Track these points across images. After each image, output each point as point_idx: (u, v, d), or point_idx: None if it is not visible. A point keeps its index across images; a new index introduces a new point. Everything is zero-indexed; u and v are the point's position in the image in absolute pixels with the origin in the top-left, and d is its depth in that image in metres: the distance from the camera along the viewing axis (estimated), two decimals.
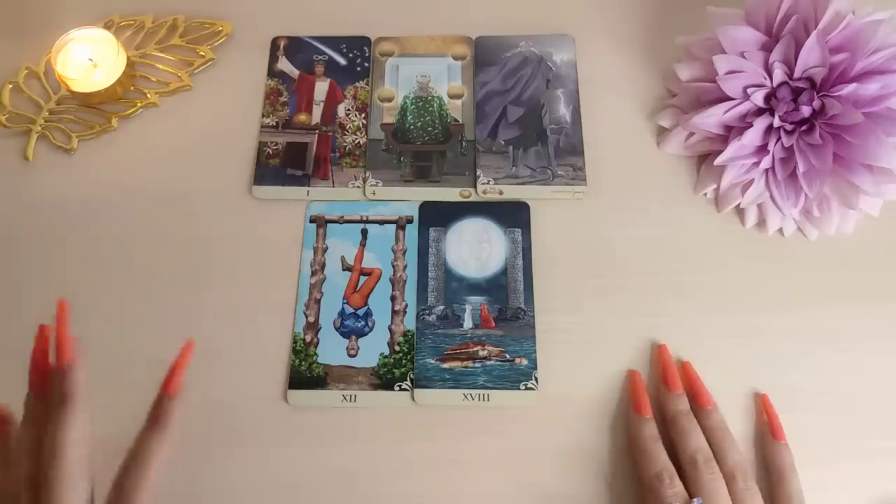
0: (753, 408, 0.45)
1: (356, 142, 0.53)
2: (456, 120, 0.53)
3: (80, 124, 0.54)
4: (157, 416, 0.36)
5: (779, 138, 0.47)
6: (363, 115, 0.54)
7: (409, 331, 0.47)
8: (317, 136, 0.53)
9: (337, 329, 0.47)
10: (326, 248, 0.50)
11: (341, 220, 0.50)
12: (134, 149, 0.53)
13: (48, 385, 0.36)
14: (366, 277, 0.49)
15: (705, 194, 0.51)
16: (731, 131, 0.48)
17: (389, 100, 0.54)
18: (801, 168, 0.46)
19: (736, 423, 0.44)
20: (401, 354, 0.46)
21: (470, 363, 0.46)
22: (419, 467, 0.44)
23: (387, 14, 0.57)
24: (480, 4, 0.57)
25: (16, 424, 0.36)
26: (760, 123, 0.47)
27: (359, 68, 0.55)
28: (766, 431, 0.44)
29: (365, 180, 0.51)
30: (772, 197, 0.48)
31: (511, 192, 0.51)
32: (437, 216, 0.50)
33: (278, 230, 0.50)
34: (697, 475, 0.40)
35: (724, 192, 0.50)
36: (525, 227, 0.50)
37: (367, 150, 0.52)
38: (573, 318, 0.47)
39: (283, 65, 0.56)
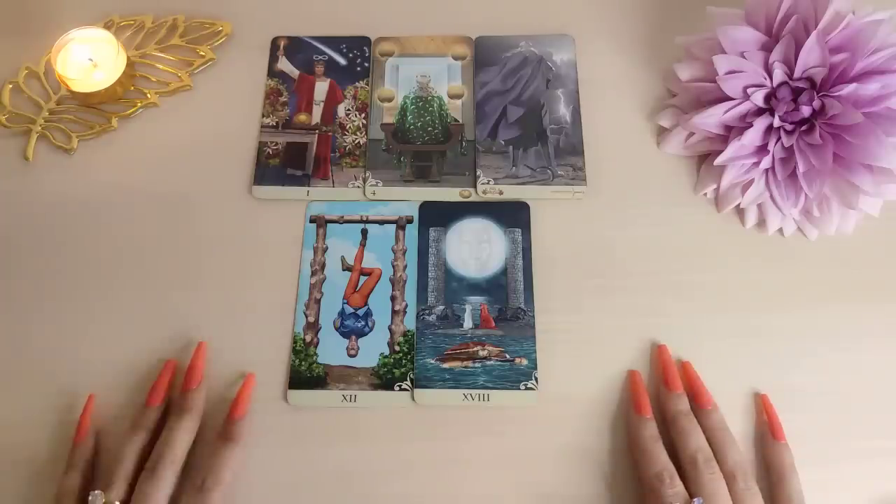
0: (753, 408, 0.45)
1: (356, 142, 0.53)
2: (456, 120, 0.53)
3: (80, 124, 0.54)
4: (227, 430, 0.43)
5: (779, 138, 0.47)
6: (363, 115, 0.54)
7: (409, 331, 0.47)
8: (317, 136, 0.53)
9: (337, 329, 0.47)
10: (326, 248, 0.50)
11: (341, 220, 0.50)
12: (134, 149, 0.53)
13: (165, 401, 0.44)
14: (366, 277, 0.49)
15: (705, 194, 0.51)
16: (731, 131, 0.48)
17: (389, 100, 0.54)
18: (801, 168, 0.46)
19: (736, 423, 0.44)
20: (401, 354, 0.46)
21: (470, 363, 0.46)
22: (419, 467, 0.44)
23: (387, 14, 0.57)
24: (480, 4, 0.57)
25: (89, 438, 0.44)
26: (760, 123, 0.47)
27: (359, 68, 0.55)
28: (766, 431, 0.44)
29: (365, 180, 0.51)
30: (772, 197, 0.48)
31: (511, 192, 0.51)
32: (437, 216, 0.50)
33: (278, 230, 0.50)
34: (697, 475, 0.40)
35: (724, 192, 0.50)
36: (525, 227, 0.50)
37: (367, 150, 0.52)
38: (573, 318, 0.47)
39: (283, 65, 0.56)
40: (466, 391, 0.45)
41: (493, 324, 0.47)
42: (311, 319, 0.47)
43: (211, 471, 0.41)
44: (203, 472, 0.41)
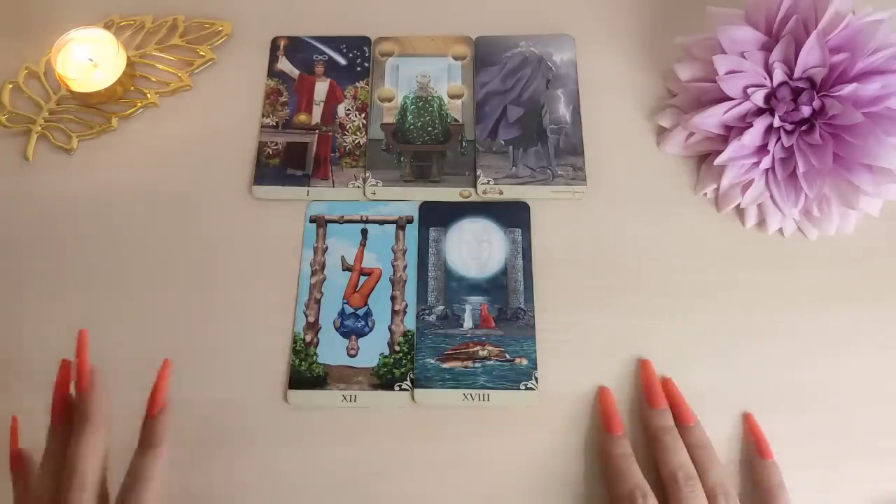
0: (752, 410, 0.45)
1: (356, 142, 0.53)
2: (456, 120, 0.53)
3: (80, 124, 0.54)
4: (145, 436, 0.39)
5: (779, 138, 0.47)
6: (363, 115, 0.54)
7: (409, 331, 0.47)
8: (317, 136, 0.53)
9: (337, 329, 0.47)
10: (326, 248, 0.50)
11: (341, 220, 0.50)
12: (134, 149, 0.53)
13: (70, 413, 0.39)
14: (366, 277, 0.49)
15: (705, 194, 0.51)
16: (731, 131, 0.48)
17: (389, 100, 0.54)
18: (801, 168, 0.46)
19: (735, 426, 0.44)
20: (401, 354, 0.46)
21: (470, 363, 0.46)
22: (419, 467, 0.44)
23: (387, 14, 0.57)
24: (480, 4, 0.57)
25: (34, 463, 0.38)
26: (760, 123, 0.47)
27: (359, 68, 0.55)
28: (753, 450, 0.43)
29: (365, 180, 0.51)
30: (772, 197, 0.48)
31: (511, 192, 0.51)
32: (437, 216, 0.50)
33: (278, 230, 0.50)
34: (678, 492, 0.39)
35: (724, 192, 0.50)
36: (525, 227, 0.50)
37: (367, 150, 0.52)
38: (573, 318, 0.47)
39: (283, 65, 0.56)
40: (466, 391, 0.45)
41: (493, 324, 0.47)
42: (311, 319, 0.47)
43: (131, 484, 0.36)
44: (124, 486, 0.36)
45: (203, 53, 0.56)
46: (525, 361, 0.46)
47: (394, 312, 0.48)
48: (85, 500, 0.35)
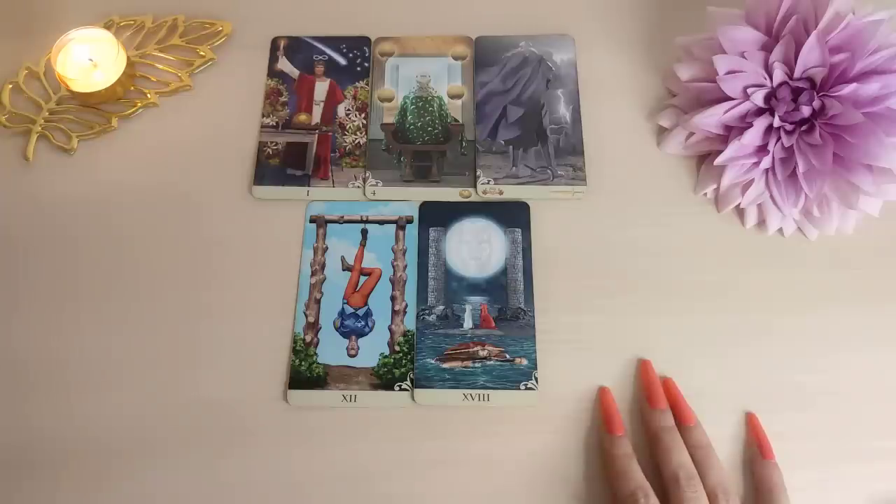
0: (752, 409, 0.45)
1: (356, 142, 0.53)
2: (456, 120, 0.53)
3: (80, 124, 0.54)
4: None
5: (779, 138, 0.47)
6: (363, 115, 0.54)
7: (409, 331, 0.47)
8: (317, 136, 0.53)
9: (337, 329, 0.47)
10: (326, 248, 0.50)
11: (341, 220, 0.50)
12: (134, 149, 0.53)
13: None
14: (366, 277, 0.49)
15: (705, 194, 0.51)
16: (731, 131, 0.48)
17: (389, 100, 0.54)
18: (801, 168, 0.46)
19: (736, 425, 0.44)
20: (401, 354, 0.46)
21: (470, 363, 0.46)
22: (419, 467, 0.44)
23: (387, 14, 0.57)
24: (480, 4, 0.57)
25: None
26: (760, 123, 0.47)
27: (359, 68, 0.55)
28: (755, 450, 0.43)
29: (365, 180, 0.51)
30: (772, 197, 0.48)
31: (511, 192, 0.51)
32: (437, 216, 0.50)
33: (278, 230, 0.50)
34: (679, 493, 0.39)
35: (724, 192, 0.50)
36: (525, 227, 0.50)
37: (367, 150, 0.52)
38: (573, 318, 0.47)
39: (283, 65, 0.56)
40: (466, 391, 0.45)
41: (493, 324, 0.47)
42: (311, 319, 0.47)
43: None
44: None
45: (203, 53, 0.56)
46: (525, 361, 0.46)
47: (394, 312, 0.48)
48: None
